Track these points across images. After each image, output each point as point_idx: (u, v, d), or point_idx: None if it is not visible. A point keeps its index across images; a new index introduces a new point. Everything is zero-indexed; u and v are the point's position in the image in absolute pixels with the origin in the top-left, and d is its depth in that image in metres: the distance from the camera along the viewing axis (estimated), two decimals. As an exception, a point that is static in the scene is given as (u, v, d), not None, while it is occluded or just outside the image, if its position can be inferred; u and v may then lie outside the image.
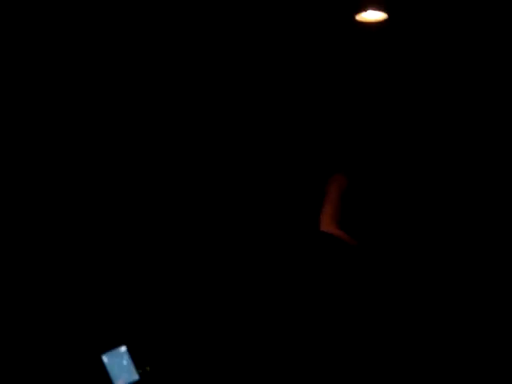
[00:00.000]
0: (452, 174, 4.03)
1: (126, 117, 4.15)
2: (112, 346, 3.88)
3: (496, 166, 3.97)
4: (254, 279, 4.11)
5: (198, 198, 4.17)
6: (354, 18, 3.92)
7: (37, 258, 3.98)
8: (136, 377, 3.91)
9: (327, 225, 3.36)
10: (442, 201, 4.02)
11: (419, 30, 3.95)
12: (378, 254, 3.44)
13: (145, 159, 4.17)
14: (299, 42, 4.07)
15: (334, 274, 3.47)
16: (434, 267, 3.95)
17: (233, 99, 4.16)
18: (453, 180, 4.03)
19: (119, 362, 3.92)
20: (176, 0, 3.81)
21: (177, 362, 4.10)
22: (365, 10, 3.88)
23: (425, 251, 3.96)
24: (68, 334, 3.97)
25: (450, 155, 4.02)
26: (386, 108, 4.03)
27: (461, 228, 4.00)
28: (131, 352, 3.91)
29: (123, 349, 3.91)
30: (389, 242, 3.53)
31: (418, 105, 4.03)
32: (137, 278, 4.12)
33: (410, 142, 3.99)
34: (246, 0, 3.89)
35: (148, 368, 3.97)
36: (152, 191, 4.14)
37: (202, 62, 4.08)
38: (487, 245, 3.95)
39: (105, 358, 3.89)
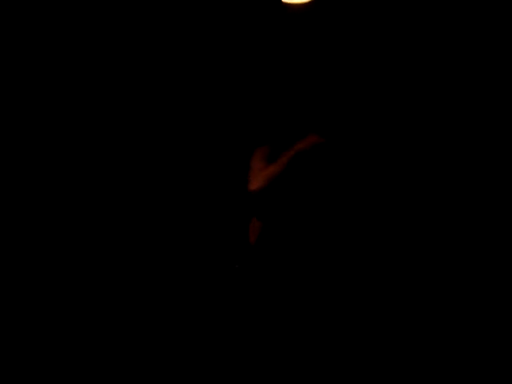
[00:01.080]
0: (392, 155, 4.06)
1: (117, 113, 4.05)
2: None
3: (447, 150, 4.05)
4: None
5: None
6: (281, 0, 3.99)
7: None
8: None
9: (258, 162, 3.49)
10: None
11: (346, 11, 4.07)
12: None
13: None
14: (228, 26, 4.09)
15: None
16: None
17: (170, 80, 4.10)
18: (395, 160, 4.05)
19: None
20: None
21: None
22: (291, -9, 3.95)
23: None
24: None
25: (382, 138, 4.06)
26: (315, 89, 4.05)
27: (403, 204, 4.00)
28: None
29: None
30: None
31: (345, 86, 4.09)
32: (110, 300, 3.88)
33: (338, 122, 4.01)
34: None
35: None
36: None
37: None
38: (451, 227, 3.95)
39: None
